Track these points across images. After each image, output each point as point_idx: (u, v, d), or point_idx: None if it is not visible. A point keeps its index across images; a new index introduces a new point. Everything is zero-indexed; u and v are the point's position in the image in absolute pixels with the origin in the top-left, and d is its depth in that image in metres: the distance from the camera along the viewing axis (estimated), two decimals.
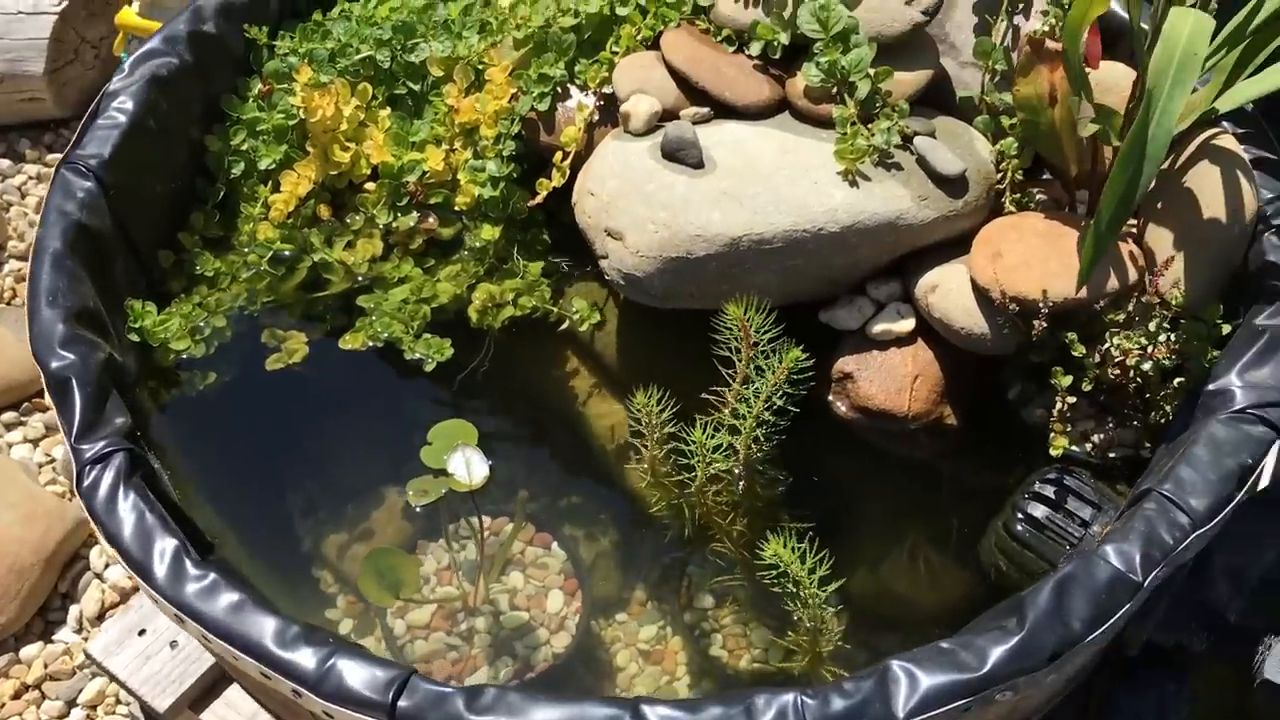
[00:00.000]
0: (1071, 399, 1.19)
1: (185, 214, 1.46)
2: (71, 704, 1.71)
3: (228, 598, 1.00)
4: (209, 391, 1.36)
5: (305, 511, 1.33)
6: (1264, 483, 1.52)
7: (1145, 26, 1.25)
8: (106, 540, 1.05)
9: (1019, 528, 1.18)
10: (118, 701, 1.71)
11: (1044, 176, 1.37)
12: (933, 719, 0.94)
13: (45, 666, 1.74)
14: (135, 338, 1.32)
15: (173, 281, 1.42)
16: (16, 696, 1.69)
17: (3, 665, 1.71)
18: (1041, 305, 1.17)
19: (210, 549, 1.11)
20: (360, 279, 1.43)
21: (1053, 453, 1.20)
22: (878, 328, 1.29)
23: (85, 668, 1.74)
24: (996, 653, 0.95)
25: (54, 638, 1.78)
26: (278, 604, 1.09)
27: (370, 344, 1.38)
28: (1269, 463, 1.50)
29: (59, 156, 2.46)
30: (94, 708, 1.71)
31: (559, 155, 1.38)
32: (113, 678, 1.61)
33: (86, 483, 1.06)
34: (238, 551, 1.24)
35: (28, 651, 1.75)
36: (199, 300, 1.39)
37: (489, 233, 1.42)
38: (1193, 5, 1.18)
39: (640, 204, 1.24)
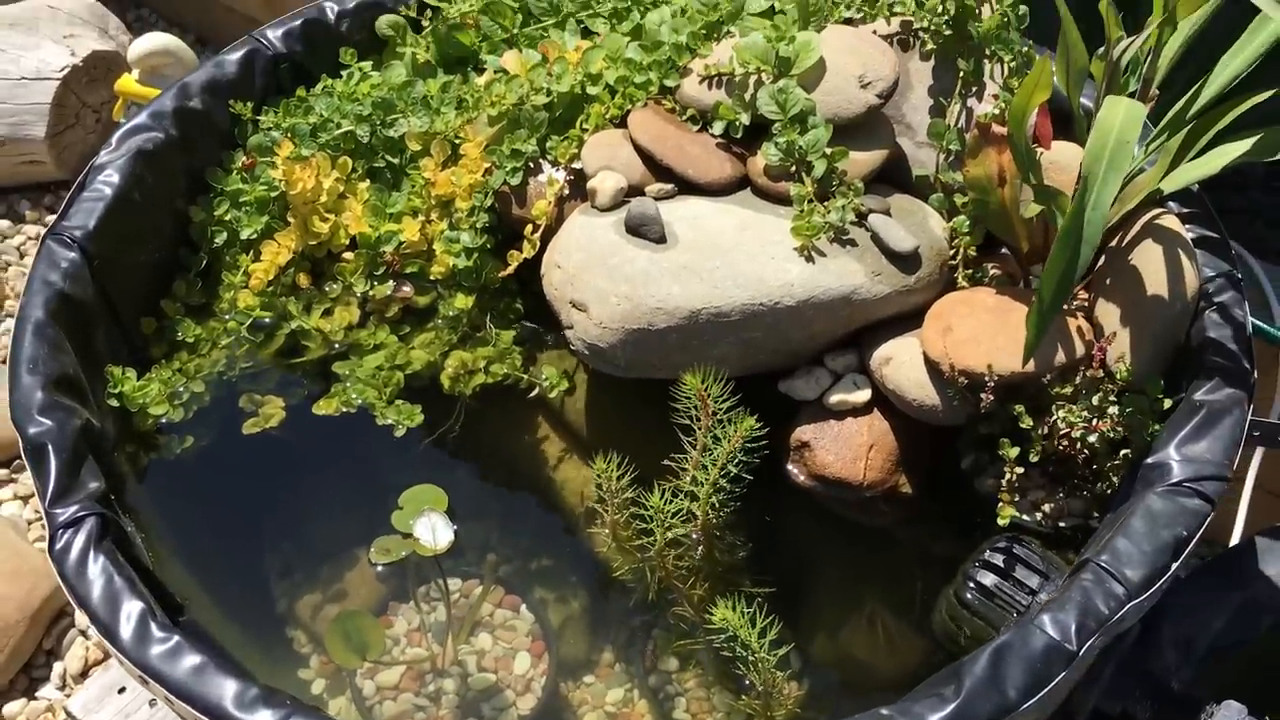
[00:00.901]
0: (1020, 470, 1.23)
1: (168, 282, 1.50)
2: None
3: (190, 660, 1.03)
4: (186, 455, 1.39)
5: (280, 573, 1.36)
6: (1235, 540, 1.55)
7: (1089, 104, 1.30)
8: (76, 603, 1.08)
9: (969, 595, 1.21)
10: None
11: (1001, 251, 1.41)
12: None
13: None
14: (115, 403, 1.36)
15: (154, 348, 1.46)
16: None
17: None
18: (988, 379, 1.21)
19: (180, 611, 1.14)
20: (337, 345, 1.47)
21: (1000, 522, 1.23)
22: (834, 398, 1.33)
23: None
24: None
25: (38, 694, 1.81)
26: (252, 664, 1.12)
27: (344, 409, 1.42)
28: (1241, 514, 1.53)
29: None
30: None
31: (530, 228, 1.42)
32: None
33: (58, 546, 1.10)
34: (213, 612, 1.26)
35: (11, 708, 1.77)
36: (179, 366, 1.43)
37: (463, 301, 1.46)
38: (1133, 94, 1.23)
39: (604, 277, 1.29)
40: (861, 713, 1.01)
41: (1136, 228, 1.29)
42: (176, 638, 1.04)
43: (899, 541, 1.37)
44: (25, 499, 2.05)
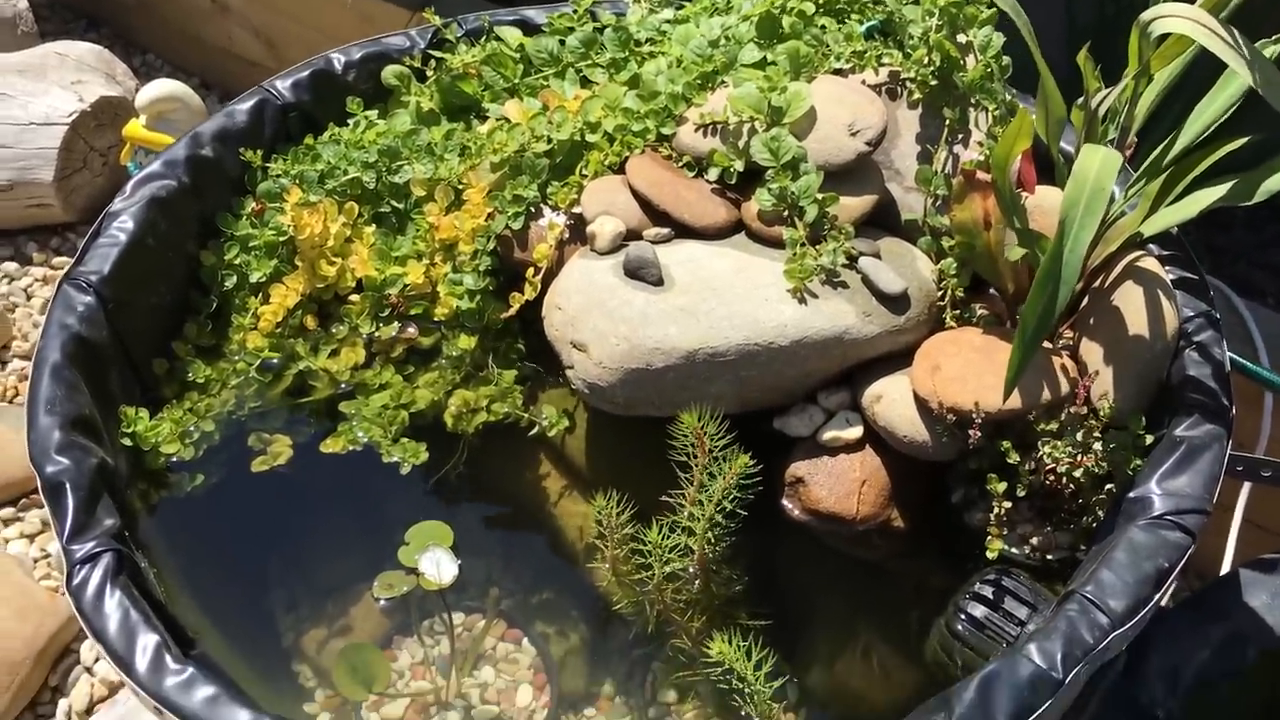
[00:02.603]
0: (1008, 504, 1.26)
1: (179, 324, 1.54)
2: None
3: (204, 691, 1.06)
4: (197, 492, 1.42)
5: (287, 608, 1.39)
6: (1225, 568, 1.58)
7: (1070, 149, 1.35)
8: (92, 636, 1.11)
9: (960, 626, 1.24)
10: None
11: (989, 291, 1.45)
12: None
13: None
14: (127, 442, 1.39)
15: (165, 388, 1.50)
16: None
17: None
18: (975, 416, 1.25)
19: (192, 645, 1.17)
20: (343, 385, 1.51)
21: (989, 555, 1.26)
22: (827, 435, 1.36)
23: None
24: None
25: None
26: (258, 699, 1.14)
27: (350, 447, 1.45)
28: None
29: (65, 260, 2.57)
30: None
31: (531, 270, 1.46)
32: None
33: (75, 581, 1.13)
34: (220, 647, 1.28)
35: None
36: (189, 406, 1.47)
37: (466, 342, 1.50)
38: (1111, 141, 1.28)
39: (603, 319, 1.33)
40: None
41: (1118, 269, 1.34)
42: (191, 669, 1.07)
43: (892, 574, 1.40)
44: (32, 538, 2.07)
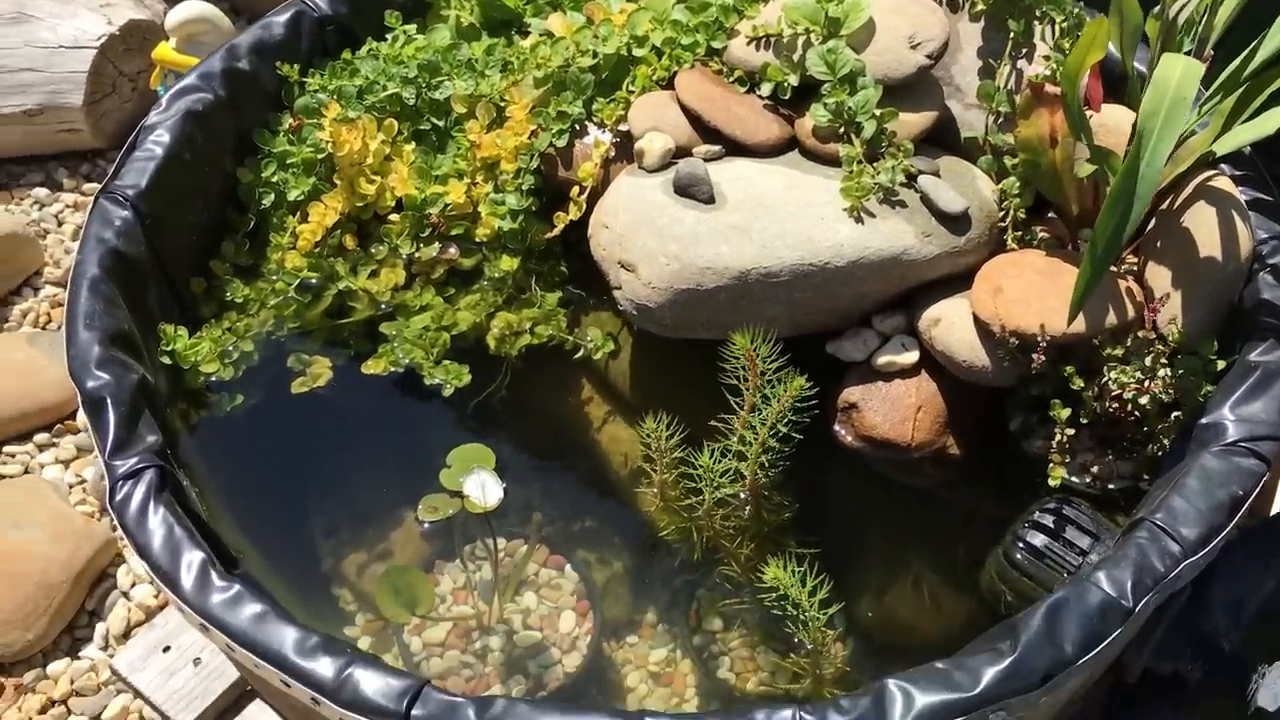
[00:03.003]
0: (1070, 431, 1.23)
1: (217, 243, 1.51)
2: None
3: (251, 608, 1.05)
4: (236, 413, 1.41)
5: (326, 531, 1.37)
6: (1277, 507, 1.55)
7: (1142, 68, 1.30)
8: (136, 552, 1.09)
9: (1019, 556, 1.21)
10: (141, 718, 1.75)
11: (1049, 215, 1.40)
12: None
13: (71, 682, 1.77)
14: (167, 360, 1.37)
15: (203, 307, 1.48)
16: (43, 712, 1.72)
17: (30, 681, 1.75)
18: (1040, 339, 1.21)
19: (235, 563, 1.15)
20: (383, 306, 1.48)
21: (1051, 483, 1.23)
22: (882, 359, 1.33)
23: (110, 684, 1.78)
24: (990, 673, 0.98)
25: (81, 654, 1.82)
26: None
27: (392, 369, 1.43)
28: None
29: (95, 186, 2.54)
30: None
31: (576, 189, 1.42)
32: (137, 693, 1.65)
33: (119, 497, 1.11)
34: (261, 569, 1.27)
35: (55, 667, 1.79)
36: (228, 325, 1.45)
37: (508, 263, 1.47)
38: (1188, 52, 1.23)
39: (652, 237, 1.29)
40: (913, 668, 1.02)
41: (1188, 190, 1.29)
42: (237, 587, 1.06)
43: (945, 503, 1.37)
44: (67, 463, 2.06)
